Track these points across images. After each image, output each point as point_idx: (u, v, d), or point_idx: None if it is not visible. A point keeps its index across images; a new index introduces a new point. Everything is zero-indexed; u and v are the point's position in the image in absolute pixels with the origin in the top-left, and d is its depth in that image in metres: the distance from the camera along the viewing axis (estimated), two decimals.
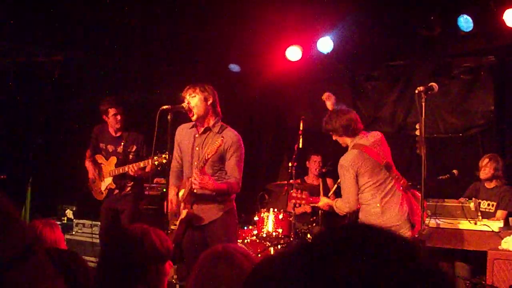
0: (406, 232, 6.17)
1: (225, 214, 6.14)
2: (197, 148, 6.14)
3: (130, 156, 8.21)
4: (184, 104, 6.05)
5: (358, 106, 10.38)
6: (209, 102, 6.08)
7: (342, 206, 6.47)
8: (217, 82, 6.30)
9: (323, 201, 6.80)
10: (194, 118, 6.10)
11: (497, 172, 8.12)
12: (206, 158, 5.79)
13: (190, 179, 6.04)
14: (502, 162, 8.22)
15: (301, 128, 8.57)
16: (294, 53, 10.18)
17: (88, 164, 8.42)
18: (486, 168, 8.16)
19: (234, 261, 2.84)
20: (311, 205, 7.04)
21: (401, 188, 6.32)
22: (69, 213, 9.95)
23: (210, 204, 6.13)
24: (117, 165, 8.18)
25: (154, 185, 9.82)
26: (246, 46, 10.09)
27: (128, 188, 8.23)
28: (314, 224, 9.03)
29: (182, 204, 6.15)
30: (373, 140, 6.40)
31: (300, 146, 8.62)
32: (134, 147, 8.24)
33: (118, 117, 8.11)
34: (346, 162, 6.33)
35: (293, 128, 9.22)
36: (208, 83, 6.24)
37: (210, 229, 6.13)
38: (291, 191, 7.43)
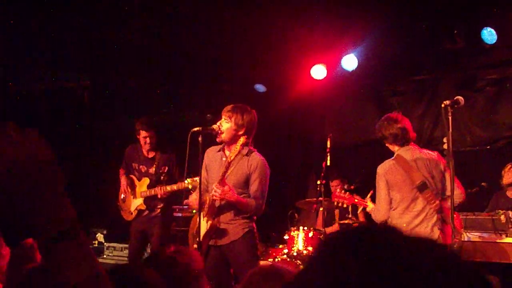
0: None
1: (246, 235, 6.11)
2: (223, 169, 6.06)
3: (162, 177, 8.26)
4: (215, 126, 6.08)
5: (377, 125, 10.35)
6: (239, 133, 6.05)
7: (375, 213, 6.53)
8: (243, 102, 6.36)
9: (371, 206, 6.77)
10: (218, 140, 6.13)
11: None
12: (228, 163, 5.86)
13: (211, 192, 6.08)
14: None
15: (328, 146, 8.61)
16: (319, 71, 10.24)
17: (122, 179, 8.46)
18: (508, 173, 8.17)
19: (284, 279, 2.85)
20: (367, 209, 7.01)
21: (435, 211, 6.22)
22: (100, 236, 10.06)
23: (232, 222, 6.11)
24: (149, 186, 8.22)
25: (185, 207, 9.73)
26: (271, 65, 10.20)
27: (158, 210, 8.29)
28: None
29: (205, 219, 6.13)
30: (418, 156, 6.33)
31: (328, 163, 8.65)
32: (166, 168, 8.30)
33: (147, 140, 8.19)
34: (380, 169, 6.37)
35: (320, 146, 9.25)
36: (251, 110, 6.19)
37: (231, 249, 6.11)
38: (336, 191, 7.45)
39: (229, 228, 6.11)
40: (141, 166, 8.39)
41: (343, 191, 9.61)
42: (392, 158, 6.40)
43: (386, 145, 6.54)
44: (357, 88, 10.84)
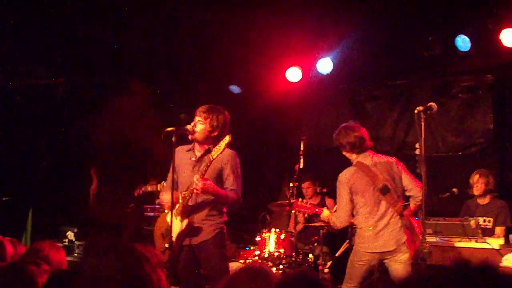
0: (403, 255, 6.28)
1: (217, 235, 6.12)
2: (194, 170, 6.13)
3: None
4: (189, 126, 6.11)
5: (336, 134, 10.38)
6: (213, 134, 6.12)
7: (335, 220, 6.64)
8: (217, 103, 6.36)
9: (325, 213, 6.89)
10: (191, 138, 6.19)
11: (488, 186, 8.20)
12: (210, 162, 5.87)
13: (187, 190, 6.04)
14: (492, 176, 8.29)
15: (301, 149, 8.63)
16: (294, 74, 10.32)
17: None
18: (477, 184, 8.22)
19: (272, 280, 2.93)
20: (321, 216, 7.09)
21: (398, 214, 6.36)
22: (70, 235, 9.97)
23: (204, 222, 6.10)
24: None
25: (157, 206, 9.63)
26: (246, 67, 10.22)
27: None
28: (315, 244, 9.08)
29: (178, 218, 6.09)
30: (377, 161, 6.52)
31: (301, 166, 8.68)
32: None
33: None
34: (342, 177, 6.53)
35: (294, 149, 9.26)
36: (224, 111, 6.24)
37: (202, 249, 6.12)
38: (296, 200, 7.46)
39: (202, 227, 6.09)
40: None
41: (314, 195, 9.69)
42: (353, 165, 6.58)
43: (344, 153, 6.71)
44: (332, 91, 10.89)
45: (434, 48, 8.90)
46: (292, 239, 8.60)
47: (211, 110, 6.18)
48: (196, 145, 6.27)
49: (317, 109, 11.12)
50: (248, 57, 9.82)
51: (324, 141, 10.64)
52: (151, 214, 9.66)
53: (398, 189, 6.47)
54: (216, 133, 6.14)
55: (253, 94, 10.96)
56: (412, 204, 6.55)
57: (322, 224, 8.38)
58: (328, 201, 9.74)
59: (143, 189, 7.77)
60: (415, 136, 9.63)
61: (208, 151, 6.09)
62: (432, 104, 5.77)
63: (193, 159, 6.23)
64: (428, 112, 5.72)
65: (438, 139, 9.94)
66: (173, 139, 5.94)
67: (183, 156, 6.33)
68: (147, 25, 8.95)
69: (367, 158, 6.53)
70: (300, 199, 7.48)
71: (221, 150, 5.88)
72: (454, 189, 8.08)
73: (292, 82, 10.39)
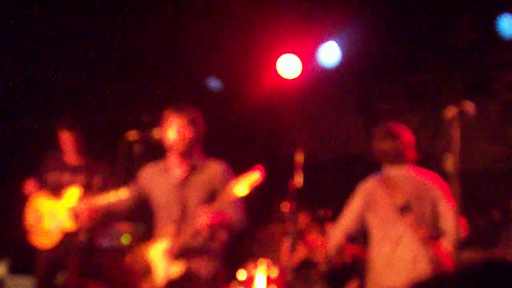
0: None
1: (214, 277, 6.06)
2: (179, 194, 6.05)
3: (95, 192, 7.84)
4: (156, 131, 6.01)
5: (370, 132, 10.29)
6: (197, 145, 6.10)
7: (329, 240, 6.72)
8: (190, 101, 6.31)
9: None
10: (174, 151, 6.04)
11: None
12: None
13: (188, 226, 5.92)
14: None
15: (298, 161, 8.58)
16: (289, 66, 10.17)
17: (33, 193, 8.10)
18: None
19: None
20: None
21: (419, 240, 6.22)
22: (1, 268, 9.89)
23: (203, 260, 6.02)
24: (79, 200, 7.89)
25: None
26: (228, 57, 10.11)
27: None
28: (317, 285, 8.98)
29: (167, 259, 5.96)
30: (407, 175, 6.41)
31: (297, 182, 8.62)
32: (98, 180, 8.06)
33: (72, 142, 8.02)
34: (360, 185, 6.50)
35: (288, 160, 9.21)
36: (194, 107, 6.17)
37: None
38: (307, 236, 7.51)
39: (201, 265, 6.01)
40: (63, 177, 8.10)
41: (311, 223, 9.59)
42: (378, 175, 6.52)
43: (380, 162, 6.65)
44: (337, 89, 10.80)
45: (468, 33, 8.85)
46: (287, 277, 8.41)
47: (182, 109, 6.05)
48: (174, 160, 6.14)
49: (318, 111, 11.05)
50: (231, 46, 9.77)
51: (327, 151, 10.74)
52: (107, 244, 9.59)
53: (426, 215, 6.30)
54: (200, 141, 6.11)
55: (237, 90, 10.82)
56: (443, 241, 6.27)
57: (324, 259, 8.42)
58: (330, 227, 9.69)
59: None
60: (443, 146, 9.58)
61: (195, 169, 6.06)
62: (469, 104, 5.65)
63: (172, 180, 6.10)
64: (463, 115, 5.62)
65: (473, 149, 9.71)
66: (135, 147, 5.95)
67: (154, 176, 6.21)
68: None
69: (397, 170, 6.45)
70: (314, 235, 7.50)
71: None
72: (495, 213, 8.03)
73: (286, 77, 10.24)
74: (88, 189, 7.99)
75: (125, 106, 10.60)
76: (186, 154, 6.05)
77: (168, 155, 6.14)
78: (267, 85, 10.48)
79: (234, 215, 6.05)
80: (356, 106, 10.89)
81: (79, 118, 8.44)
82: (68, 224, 7.85)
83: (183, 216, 6.00)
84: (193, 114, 6.05)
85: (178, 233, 5.97)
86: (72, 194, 7.95)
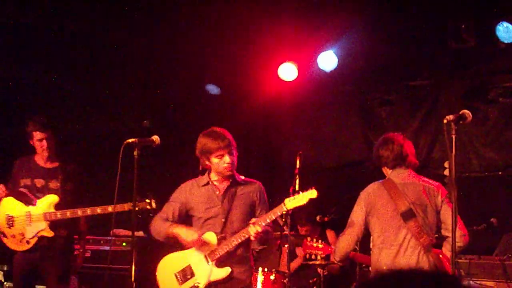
0: None
1: (251, 282, 6.81)
2: (223, 204, 6.64)
3: (69, 197, 7.90)
4: (155, 138, 6.25)
5: (370, 138, 10.39)
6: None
7: (335, 248, 6.75)
8: (190, 108, 6.36)
9: None
10: (227, 174, 6.66)
11: None
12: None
13: (234, 235, 6.48)
14: None
15: (297, 166, 8.57)
16: (288, 71, 10.23)
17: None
18: None
19: None
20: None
21: (421, 247, 6.32)
22: None
23: (242, 267, 6.64)
24: (58, 206, 7.76)
25: (112, 238, 9.67)
26: (228, 62, 10.14)
27: (61, 240, 7.86)
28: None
29: (212, 262, 6.52)
30: (410, 181, 6.52)
31: (297, 188, 8.59)
32: (71, 184, 7.96)
33: (45, 143, 7.83)
34: (362, 192, 6.66)
35: (288, 166, 9.18)
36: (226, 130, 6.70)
37: None
38: (305, 239, 7.45)
39: (240, 277, 6.62)
40: (36, 180, 7.94)
41: (315, 236, 9.59)
42: (381, 180, 6.66)
43: (382, 169, 6.81)
44: (337, 94, 10.81)
45: (468, 38, 8.86)
46: (285, 281, 8.50)
47: (223, 134, 6.63)
48: (218, 178, 6.75)
49: (318, 116, 11.03)
50: (230, 51, 9.80)
51: (326, 157, 10.72)
52: (106, 248, 9.63)
53: (429, 221, 6.41)
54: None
55: (237, 96, 10.88)
56: (445, 249, 6.43)
57: (323, 263, 8.33)
58: (330, 234, 9.70)
59: (98, 210, 7.50)
60: (442, 151, 9.64)
61: (235, 182, 6.74)
62: (466, 112, 5.59)
63: (218, 192, 6.72)
64: (461, 121, 5.57)
65: (472, 155, 9.89)
66: (135, 153, 5.99)
67: (198, 195, 6.78)
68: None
69: (400, 176, 6.58)
70: (309, 238, 7.48)
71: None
72: (493, 219, 8.05)
73: (286, 81, 10.32)
74: (62, 193, 7.86)
75: (125, 111, 10.58)
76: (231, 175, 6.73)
77: (210, 173, 6.78)
78: (266, 91, 10.54)
79: (268, 233, 6.65)
80: (356, 111, 10.95)
81: (53, 119, 8.25)
82: (44, 230, 7.75)
83: (226, 225, 6.55)
84: (231, 138, 6.64)
85: (222, 240, 6.50)
86: (48, 200, 7.81)
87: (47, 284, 8.02)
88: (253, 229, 6.30)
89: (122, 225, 9.69)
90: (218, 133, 6.61)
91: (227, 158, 6.52)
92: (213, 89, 10.97)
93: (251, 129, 11.41)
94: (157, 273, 6.87)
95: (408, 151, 6.65)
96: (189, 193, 6.79)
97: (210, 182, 6.72)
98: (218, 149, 6.49)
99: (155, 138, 6.24)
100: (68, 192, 7.94)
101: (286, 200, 6.33)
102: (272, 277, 8.59)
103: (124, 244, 9.79)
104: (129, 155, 5.99)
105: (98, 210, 7.51)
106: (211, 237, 6.55)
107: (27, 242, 7.83)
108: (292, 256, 9.48)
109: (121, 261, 9.18)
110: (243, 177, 6.88)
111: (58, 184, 7.95)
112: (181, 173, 9.51)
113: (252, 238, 6.34)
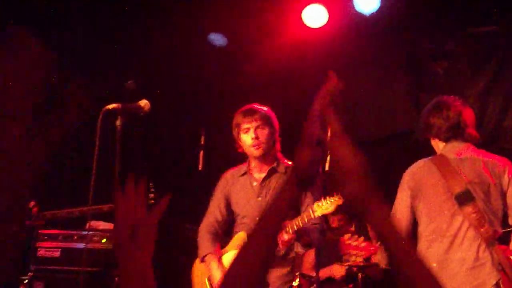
0: None
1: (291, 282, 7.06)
2: (259, 199, 7.02)
3: None
4: (143, 103, 5.98)
5: (421, 101, 10.05)
6: (276, 135, 6.94)
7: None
8: (191, 62, 6.03)
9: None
10: (255, 155, 6.98)
11: None
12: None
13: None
14: None
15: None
16: (315, 15, 10.04)
17: None
18: None
19: None
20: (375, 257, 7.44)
21: (481, 239, 6.09)
22: None
23: (284, 268, 7.05)
24: None
25: (89, 233, 9.41)
26: (236, 7, 9.97)
27: None
28: None
29: None
30: (468, 157, 6.30)
31: (326, 168, 8.20)
32: None
33: None
34: (405, 175, 6.55)
35: (315, 138, 8.80)
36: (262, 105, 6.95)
37: None
38: (342, 237, 7.32)
39: (277, 280, 7.02)
40: None
41: (351, 230, 9.45)
42: (430, 157, 6.50)
43: (431, 141, 6.65)
44: (378, 44, 10.40)
45: None
46: (313, 287, 8.43)
47: (256, 107, 7.01)
48: (254, 164, 7.10)
49: (352, 73, 10.38)
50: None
51: (365, 127, 10.78)
52: (82, 245, 9.44)
53: (492, 206, 6.18)
54: (277, 142, 7.01)
55: (247, 48, 10.60)
56: None
57: (361, 264, 8.13)
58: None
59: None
60: None
61: (274, 171, 7.00)
62: None
63: (255, 184, 7.08)
64: None
65: None
66: (118, 122, 5.76)
67: (237, 184, 7.21)
68: None
69: (455, 150, 6.37)
70: (347, 235, 7.28)
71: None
72: None
73: (312, 28, 10.11)
74: None
75: (104, 69, 10.35)
76: (265, 157, 6.98)
77: (249, 159, 7.15)
78: (287, 40, 10.46)
79: (312, 234, 6.86)
80: (403, 67, 10.67)
81: None
82: None
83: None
84: (264, 113, 6.93)
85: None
86: None
87: None
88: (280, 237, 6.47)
89: (102, 217, 9.57)
90: (251, 107, 6.92)
91: (252, 133, 6.72)
92: (217, 39, 10.68)
93: (267, 92, 10.81)
94: (192, 273, 7.48)
95: (468, 121, 6.42)
96: (231, 183, 7.09)
97: (248, 171, 6.98)
98: (244, 121, 6.78)
99: (144, 103, 5.97)
100: None
101: (316, 206, 6.57)
102: (295, 283, 7.90)
103: (104, 240, 9.52)
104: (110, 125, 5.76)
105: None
106: (239, 240, 6.96)
107: None
108: (328, 258, 9.48)
109: (100, 262, 9.05)
110: (290, 163, 6.69)
111: None
112: (180, 151, 10.14)
113: (280, 246, 6.56)
